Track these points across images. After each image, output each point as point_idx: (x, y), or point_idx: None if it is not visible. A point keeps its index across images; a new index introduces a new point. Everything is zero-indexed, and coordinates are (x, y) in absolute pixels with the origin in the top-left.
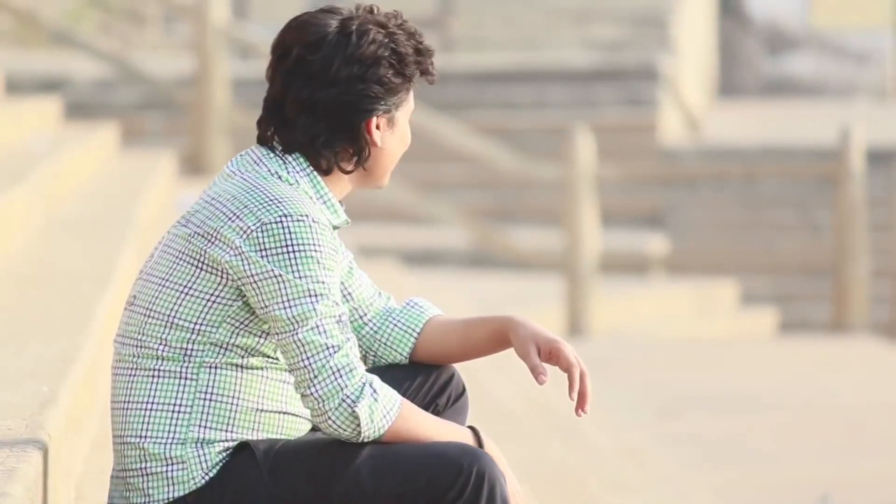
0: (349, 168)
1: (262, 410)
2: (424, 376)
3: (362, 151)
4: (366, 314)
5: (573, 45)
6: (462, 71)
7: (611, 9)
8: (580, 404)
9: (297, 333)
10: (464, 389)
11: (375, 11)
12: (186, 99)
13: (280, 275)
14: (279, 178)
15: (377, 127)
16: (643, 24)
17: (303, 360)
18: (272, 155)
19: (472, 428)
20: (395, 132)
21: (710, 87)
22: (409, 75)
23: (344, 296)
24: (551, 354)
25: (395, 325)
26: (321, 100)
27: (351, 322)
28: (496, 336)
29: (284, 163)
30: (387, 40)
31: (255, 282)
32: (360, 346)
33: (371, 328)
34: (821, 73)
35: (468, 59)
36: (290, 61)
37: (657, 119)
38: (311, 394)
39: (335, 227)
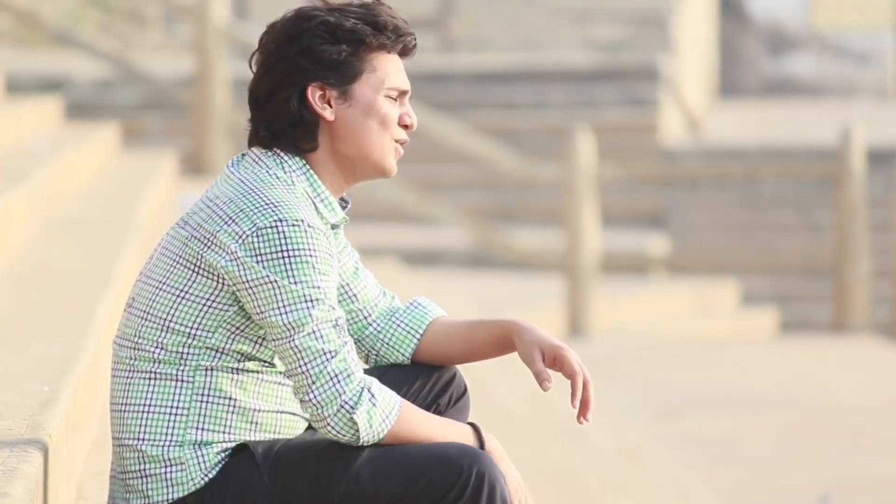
0: (307, 145)
1: (258, 411)
2: (426, 376)
3: (310, 126)
4: (370, 315)
5: (573, 45)
6: (462, 71)
7: (611, 9)
8: (582, 412)
9: (293, 339)
10: (465, 390)
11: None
12: (187, 99)
13: (275, 280)
14: (276, 178)
15: (327, 102)
16: (644, 24)
17: (300, 366)
18: (270, 154)
19: (472, 424)
20: (354, 106)
21: (710, 88)
22: (352, 46)
23: (349, 297)
24: (555, 360)
25: (399, 325)
26: (262, 86)
27: (355, 323)
28: (500, 340)
29: (282, 162)
30: (320, 14)
31: (250, 287)
32: (363, 345)
33: (375, 328)
34: (821, 73)
35: (468, 59)
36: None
37: (658, 119)
38: (310, 400)
39: (335, 226)
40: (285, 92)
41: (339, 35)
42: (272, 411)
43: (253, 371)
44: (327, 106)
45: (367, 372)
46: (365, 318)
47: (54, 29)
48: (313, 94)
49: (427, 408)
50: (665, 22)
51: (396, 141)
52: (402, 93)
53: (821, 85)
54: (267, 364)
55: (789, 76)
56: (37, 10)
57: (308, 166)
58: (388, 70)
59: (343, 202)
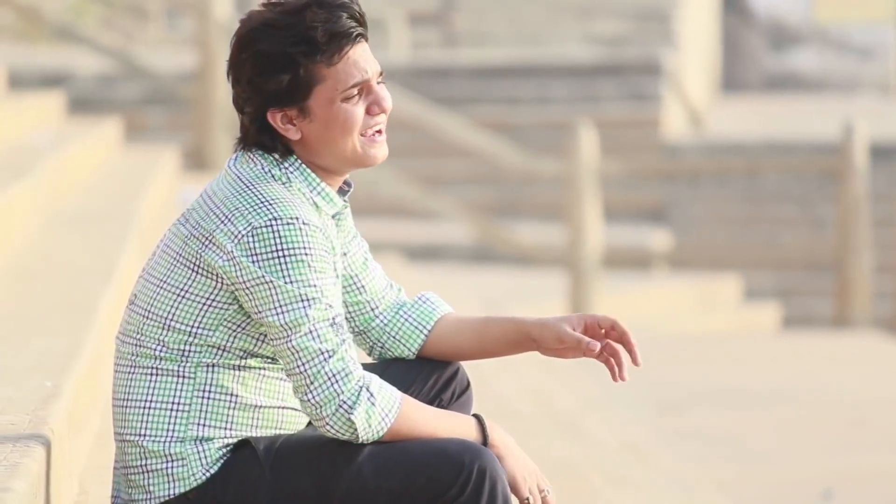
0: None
1: (260, 407)
2: (429, 371)
3: (280, 144)
4: (377, 307)
5: (576, 39)
6: (464, 66)
7: (614, 4)
8: (634, 358)
9: (290, 340)
10: (468, 384)
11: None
12: (189, 94)
13: (271, 281)
14: (272, 176)
15: (290, 122)
16: (646, 18)
17: (298, 367)
18: (266, 153)
19: (476, 416)
20: (314, 121)
21: (713, 82)
22: (291, 72)
23: (357, 288)
24: (587, 326)
25: (406, 320)
26: (233, 97)
27: (362, 314)
28: (513, 337)
29: (276, 160)
30: (254, 38)
31: (247, 288)
32: (368, 337)
33: (381, 321)
34: (824, 68)
35: (471, 54)
36: None
37: (660, 114)
38: (308, 400)
39: (337, 215)
40: (249, 114)
41: (277, 64)
42: (274, 407)
43: (255, 367)
44: (291, 126)
45: (370, 366)
46: (372, 309)
47: (56, 24)
48: (274, 119)
49: (429, 402)
50: (667, 17)
51: (369, 130)
52: (364, 84)
53: (823, 79)
54: (269, 360)
55: (791, 71)
56: (39, 5)
57: (301, 161)
58: (339, 74)
59: (346, 185)
